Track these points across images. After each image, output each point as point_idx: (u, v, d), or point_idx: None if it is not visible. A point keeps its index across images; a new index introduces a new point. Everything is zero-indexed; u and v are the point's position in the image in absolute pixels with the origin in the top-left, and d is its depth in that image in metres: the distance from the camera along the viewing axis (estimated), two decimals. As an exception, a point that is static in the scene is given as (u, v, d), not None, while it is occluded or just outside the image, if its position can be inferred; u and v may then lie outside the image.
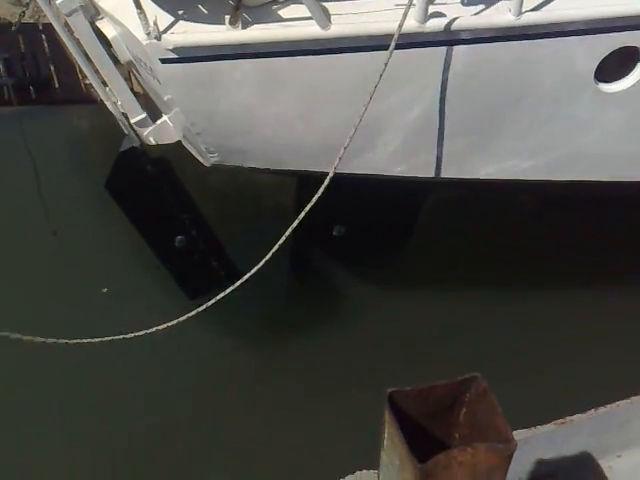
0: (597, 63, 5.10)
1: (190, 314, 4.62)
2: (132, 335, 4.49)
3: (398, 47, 4.49)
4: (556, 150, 5.62)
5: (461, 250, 6.92)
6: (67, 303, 6.66)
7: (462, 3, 4.79)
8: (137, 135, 5.36)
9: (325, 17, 4.62)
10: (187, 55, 4.71)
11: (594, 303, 6.68)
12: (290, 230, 4.67)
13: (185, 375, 6.24)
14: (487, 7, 4.80)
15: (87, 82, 5.59)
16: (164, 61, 4.75)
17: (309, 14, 4.56)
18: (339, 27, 4.65)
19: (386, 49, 4.48)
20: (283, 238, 4.65)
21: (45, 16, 4.84)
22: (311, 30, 4.63)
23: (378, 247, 6.24)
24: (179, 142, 5.47)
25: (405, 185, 5.61)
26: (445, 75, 4.98)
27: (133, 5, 4.47)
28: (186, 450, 5.90)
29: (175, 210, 5.67)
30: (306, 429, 5.81)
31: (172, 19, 4.70)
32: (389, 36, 4.57)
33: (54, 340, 4.20)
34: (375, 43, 4.70)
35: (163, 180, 5.57)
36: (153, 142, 5.37)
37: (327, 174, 5.53)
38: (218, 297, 4.74)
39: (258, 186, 7.08)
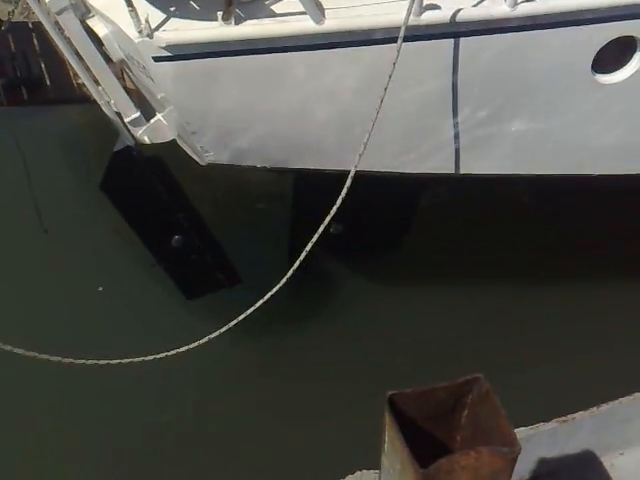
0: (594, 54, 5.04)
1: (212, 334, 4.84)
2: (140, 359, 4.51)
3: (392, 41, 4.44)
4: (554, 143, 5.57)
5: (459, 246, 6.88)
6: (63, 302, 6.62)
7: (457, -5, 4.75)
8: (131, 134, 5.30)
9: (319, 12, 4.56)
10: (180, 52, 4.66)
11: (596, 299, 6.63)
12: (311, 244, 4.69)
13: (183, 371, 6.19)
14: (482, -1, 4.74)
15: (79, 81, 5.52)
16: (157, 59, 4.70)
17: (303, 9, 4.50)
18: (333, 22, 4.60)
19: (383, 43, 4.43)
20: (309, 246, 4.67)
21: (35, 14, 4.78)
22: (305, 25, 4.58)
23: (376, 244, 6.20)
24: (174, 141, 5.42)
25: (402, 182, 5.56)
26: (441, 68, 4.93)
27: (124, 3, 4.42)
28: (185, 448, 5.87)
29: (171, 210, 5.62)
30: (306, 428, 5.78)
31: (164, 16, 4.65)
32: (385, 30, 4.53)
33: (59, 358, 4.15)
34: (371, 37, 4.66)
35: (158, 180, 5.50)
36: (147, 141, 5.31)
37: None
38: (247, 313, 4.88)
39: (255, 184, 7.03)
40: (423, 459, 2.94)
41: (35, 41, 6.43)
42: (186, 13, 4.66)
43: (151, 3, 4.63)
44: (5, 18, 6.44)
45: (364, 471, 3.99)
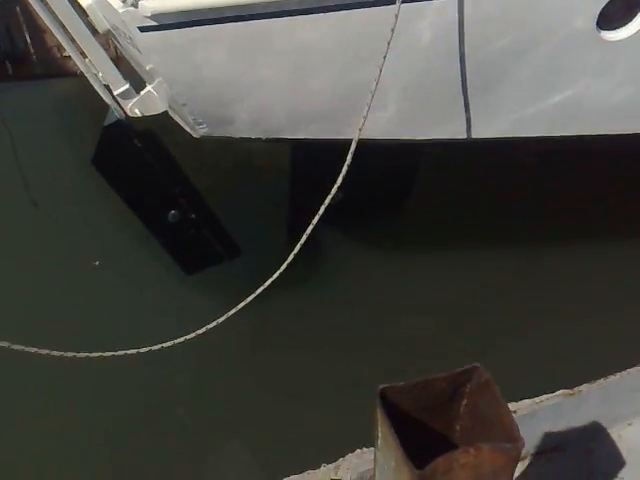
0: (599, 9, 4.86)
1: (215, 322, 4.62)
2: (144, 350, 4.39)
3: (387, 3, 4.26)
4: (559, 103, 5.39)
5: (459, 214, 6.76)
6: (60, 276, 6.53)
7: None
8: (121, 107, 5.15)
9: (309, -25, 4.38)
10: (166, 22, 4.51)
11: (599, 267, 6.50)
12: (318, 216, 4.52)
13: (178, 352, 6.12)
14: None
15: (65, 54, 5.37)
16: (143, 29, 4.55)
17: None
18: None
19: (374, 5, 4.25)
20: (316, 219, 4.52)
21: (17, -14, 4.64)
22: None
23: (375, 213, 6.08)
24: (166, 113, 5.27)
25: (401, 148, 5.41)
26: (441, 29, 4.75)
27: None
28: (184, 425, 5.83)
29: (166, 184, 5.48)
30: (306, 406, 5.69)
31: (149, -16, 4.47)
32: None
33: (61, 353, 4.03)
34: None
35: (152, 154, 5.36)
36: (138, 114, 5.15)
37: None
38: (257, 292, 4.69)
39: (251, 154, 6.88)
40: (420, 452, 2.74)
41: (19, 15, 6.26)
42: (172, -20, 4.49)
43: (135, -29, 4.47)
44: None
45: (364, 449, 3.90)
